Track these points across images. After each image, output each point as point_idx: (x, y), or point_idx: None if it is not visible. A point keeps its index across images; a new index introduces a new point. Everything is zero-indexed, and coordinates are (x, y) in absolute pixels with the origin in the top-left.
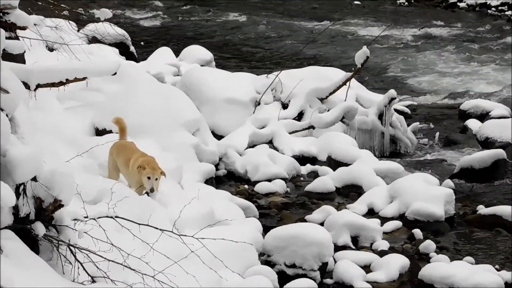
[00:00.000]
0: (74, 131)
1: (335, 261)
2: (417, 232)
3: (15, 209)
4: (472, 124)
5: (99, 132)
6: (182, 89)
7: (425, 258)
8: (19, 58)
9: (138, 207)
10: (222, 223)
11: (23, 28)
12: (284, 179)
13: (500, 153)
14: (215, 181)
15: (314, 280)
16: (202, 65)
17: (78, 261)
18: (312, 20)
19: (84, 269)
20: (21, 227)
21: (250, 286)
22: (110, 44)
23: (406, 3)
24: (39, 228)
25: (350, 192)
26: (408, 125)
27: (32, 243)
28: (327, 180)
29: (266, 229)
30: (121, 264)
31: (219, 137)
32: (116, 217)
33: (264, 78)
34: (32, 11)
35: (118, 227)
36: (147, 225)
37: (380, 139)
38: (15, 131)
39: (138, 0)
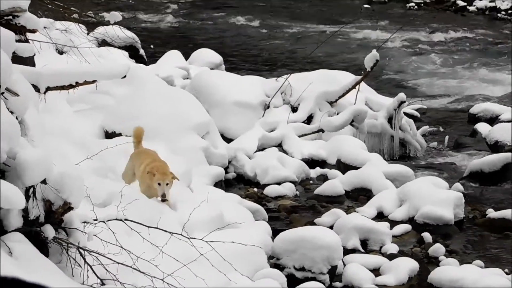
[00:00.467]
0: (83, 134)
1: (344, 264)
2: (427, 236)
3: (25, 211)
4: (482, 127)
5: (109, 135)
6: (191, 92)
7: (434, 262)
8: (29, 61)
9: (147, 210)
10: (231, 226)
11: (33, 31)
12: (293, 182)
13: (510, 156)
14: (225, 184)
15: (323, 283)
16: (211, 68)
17: (88, 263)
18: (322, 23)
19: (93, 271)
20: (30, 229)
21: None
22: (119, 47)
23: (416, 6)
24: (49, 231)
25: (360, 195)
26: (418, 128)
27: (42, 245)
28: (337, 183)
29: (275, 232)
30: (131, 266)
31: (228, 140)
32: (126, 220)
33: (273, 81)
34: (42, 14)
35: (127, 230)
36: (157, 228)
37: (389, 143)
38: (25, 134)
39: (148, 3)
